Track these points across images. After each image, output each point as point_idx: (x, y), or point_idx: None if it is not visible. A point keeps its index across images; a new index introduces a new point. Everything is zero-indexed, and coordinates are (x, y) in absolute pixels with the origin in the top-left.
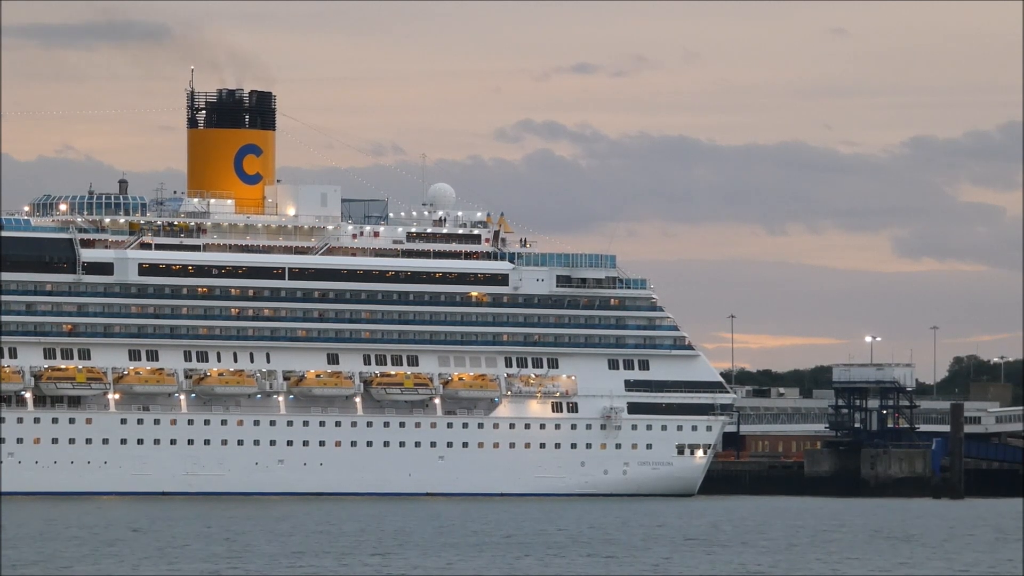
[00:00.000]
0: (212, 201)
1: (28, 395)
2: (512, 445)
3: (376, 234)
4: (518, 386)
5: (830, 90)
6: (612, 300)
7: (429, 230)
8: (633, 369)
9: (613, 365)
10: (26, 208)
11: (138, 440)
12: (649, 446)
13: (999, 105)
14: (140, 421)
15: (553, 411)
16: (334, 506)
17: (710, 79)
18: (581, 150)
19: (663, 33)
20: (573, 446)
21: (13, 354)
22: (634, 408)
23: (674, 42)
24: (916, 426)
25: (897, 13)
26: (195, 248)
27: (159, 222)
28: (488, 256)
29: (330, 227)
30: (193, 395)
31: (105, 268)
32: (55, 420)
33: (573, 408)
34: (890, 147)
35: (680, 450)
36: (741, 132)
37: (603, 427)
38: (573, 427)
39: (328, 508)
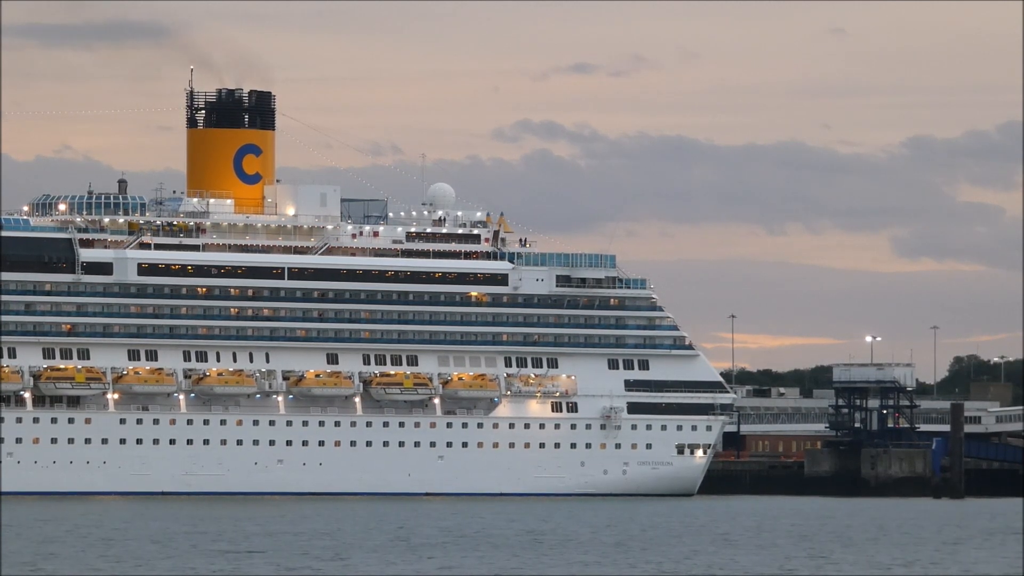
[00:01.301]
0: (211, 201)
1: (27, 395)
2: (512, 445)
3: (375, 234)
4: (518, 386)
5: (829, 90)
6: (612, 300)
7: (429, 230)
8: (633, 369)
9: (613, 365)
10: (25, 208)
11: (137, 440)
12: (649, 446)
13: (998, 105)
14: (139, 421)
15: (553, 411)
16: (310, 506)
17: (708, 79)
18: (579, 150)
19: (661, 33)
20: (573, 446)
21: (12, 354)
22: (634, 408)
23: (672, 42)
24: (916, 426)
25: (896, 13)
26: (194, 248)
27: (158, 222)
28: (488, 256)
29: (329, 227)
30: (192, 395)
31: (104, 268)
32: (54, 420)
33: (573, 408)
34: (889, 147)
35: (680, 450)
36: (740, 132)
37: (603, 427)
38: (573, 427)
39: (303, 508)
